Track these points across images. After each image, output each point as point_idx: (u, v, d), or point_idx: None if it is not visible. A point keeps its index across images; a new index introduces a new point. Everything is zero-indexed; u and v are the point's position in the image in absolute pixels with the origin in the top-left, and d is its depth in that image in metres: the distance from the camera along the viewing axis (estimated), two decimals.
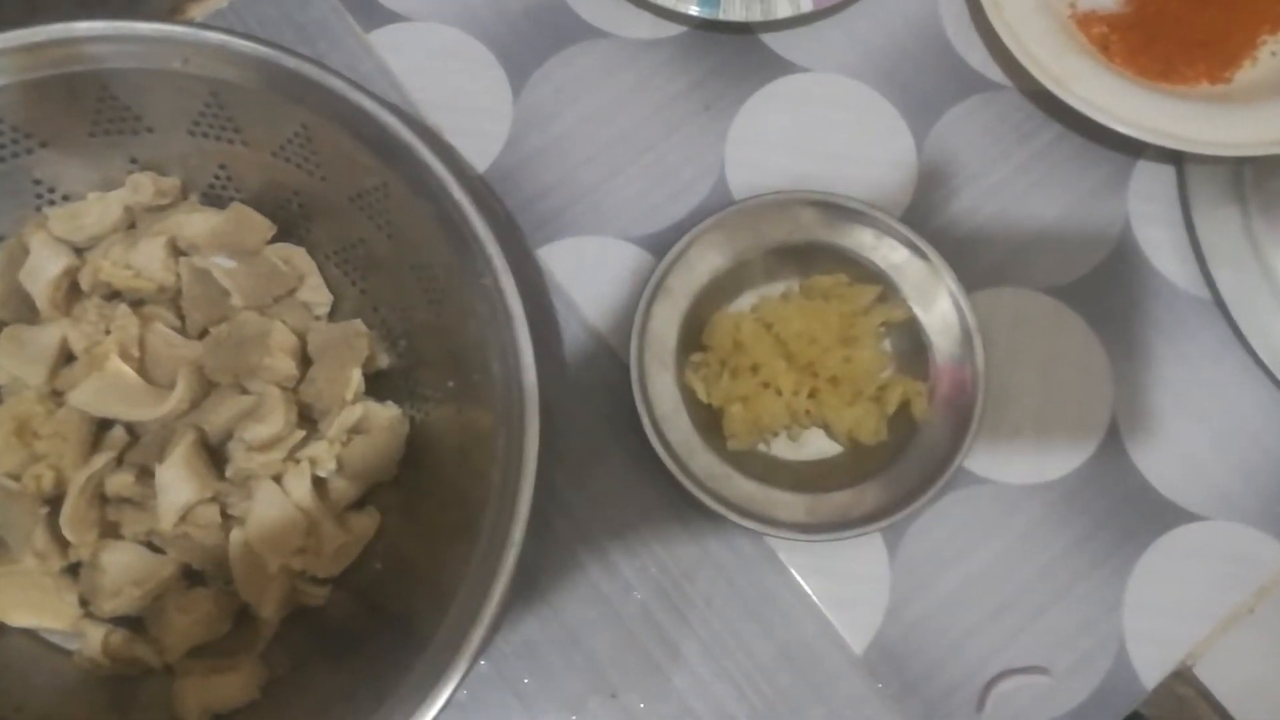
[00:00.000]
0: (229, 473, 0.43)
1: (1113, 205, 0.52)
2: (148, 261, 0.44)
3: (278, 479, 0.43)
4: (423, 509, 0.44)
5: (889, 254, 0.48)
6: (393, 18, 0.53)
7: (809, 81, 0.53)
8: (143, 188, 0.45)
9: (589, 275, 0.50)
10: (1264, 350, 0.49)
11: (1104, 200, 0.52)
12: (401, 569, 0.44)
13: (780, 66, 0.53)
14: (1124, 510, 0.48)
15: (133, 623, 0.43)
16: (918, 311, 0.47)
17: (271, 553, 0.41)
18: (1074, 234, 0.51)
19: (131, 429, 0.43)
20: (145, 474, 0.42)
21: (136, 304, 0.45)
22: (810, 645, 0.46)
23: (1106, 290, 0.51)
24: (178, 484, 0.41)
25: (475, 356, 0.41)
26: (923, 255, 0.47)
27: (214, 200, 0.47)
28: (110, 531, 0.42)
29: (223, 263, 0.44)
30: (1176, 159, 0.52)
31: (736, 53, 0.53)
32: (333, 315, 0.47)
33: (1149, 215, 0.52)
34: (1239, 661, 0.46)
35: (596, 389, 0.49)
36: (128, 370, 0.42)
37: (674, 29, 0.53)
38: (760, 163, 0.51)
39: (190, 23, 0.42)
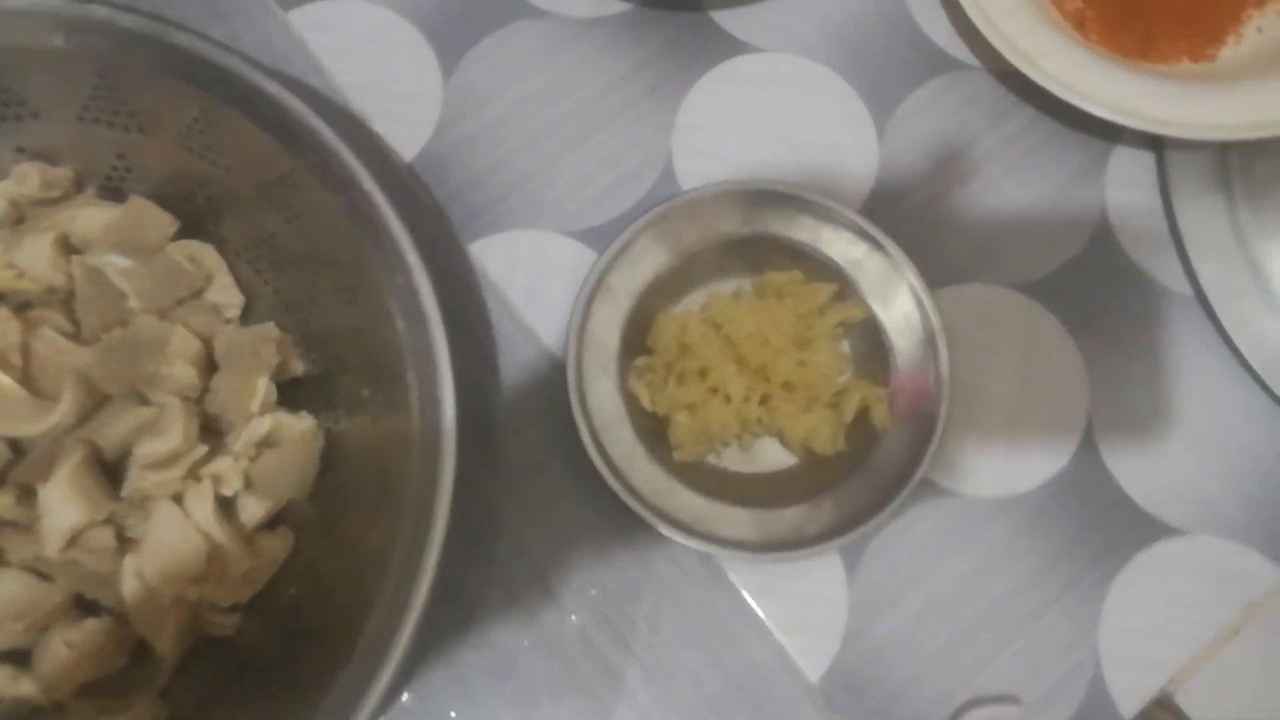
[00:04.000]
0: (124, 492, 0.39)
1: (1088, 194, 0.48)
2: (33, 260, 0.40)
3: (178, 499, 0.39)
4: (340, 527, 0.41)
5: (846, 248, 0.44)
6: None
7: (762, 62, 0.49)
8: (29, 179, 0.41)
9: (525, 272, 0.46)
10: (1250, 350, 0.46)
11: (1079, 189, 0.48)
12: (318, 592, 0.40)
13: (732, 46, 0.49)
14: (1100, 524, 0.44)
15: (17, 657, 0.39)
16: (877, 310, 0.44)
17: (166, 583, 0.37)
18: (1046, 225, 0.48)
19: (16, 445, 0.39)
20: (30, 494, 0.38)
21: (23, 307, 0.41)
22: (762, 672, 0.42)
23: (1081, 286, 0.47)
24: (64, 505, 0.37)
25: (392, 363, 0.38)
26: (882, 250, 0.44)
27: (113, 194, 0.43)
28: None
29: (118, 261, 0.41)
30: (1157, 144, 0.49)
31: (685, 32, 0.49)
32: (245, 318, 0.43)
33: (1127, 205, 0.48)
34: (1224, 687, 0.43)
35: (535, 396, 0.45)
36: (7, 381, 0.38)
37: (617, 6, 0.49)
38: (710, 150, 0.48)
39: None
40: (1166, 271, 0.47)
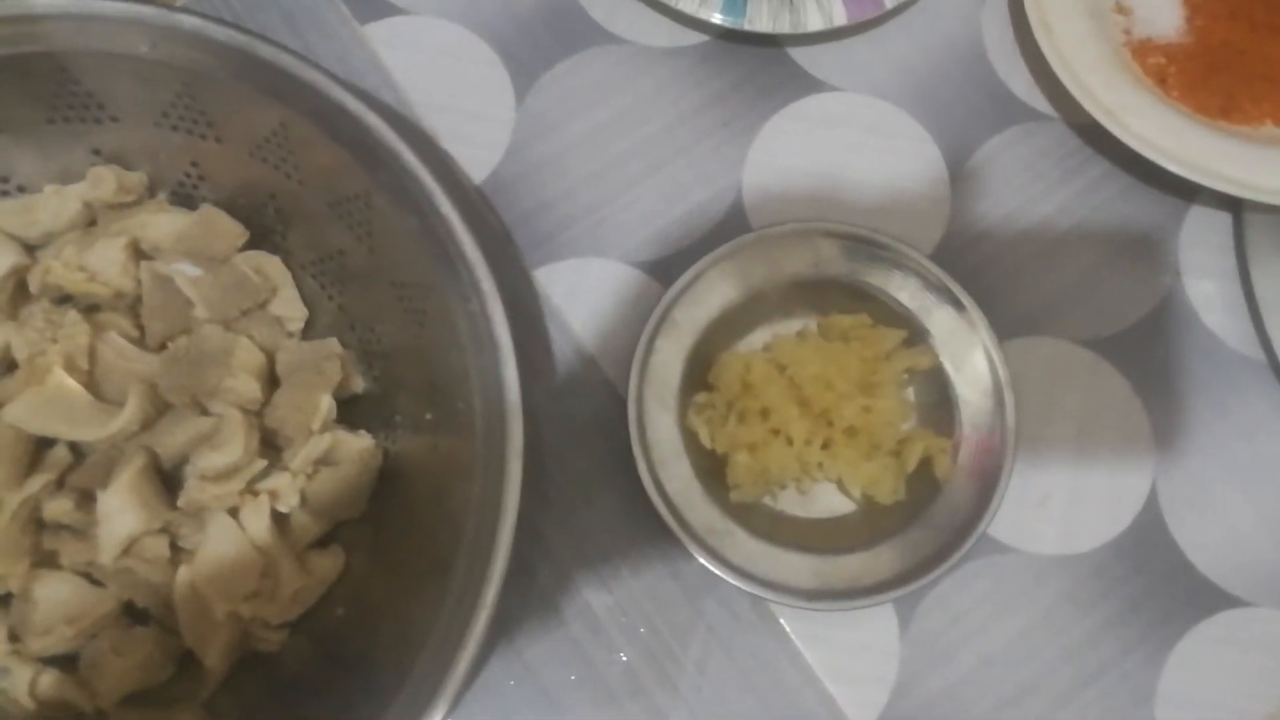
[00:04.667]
0: (181, 502, 0.39)
1: (1162, 253, 0.48)
2: (104, 264, 0.40)
3: (234, 512, 0.39)
4: (393, 551, 0.40)
5: (916, 294, 0.44)
6: (391, 10, 0.48)
7: (837, 101, 0.49)
8: (104, 182, 0.41)
9: (589, 300, 0.46)
10: None
11: (1152, 247, 0.48)
12: (366, 615, 0.40)
13: (807, 84, 0.49)
14: (1161, 590, 0.43)
15: (65, 662, 0.38)
16: (945, 360, 0.43)
17: (219, 597, 0.37)
18: (1118, 282, 0.47)
19: (76, 448, 0.39)
20: (88, 499, 0.38)
21: (91, 310, 0.41)
22: None
23: (1151, 346, 0.46)
24: (122, 512, 0.37)
25: (457, 388, 0.37)
26: (954, 298, 0.43)
27: (184, 200, 0.43)
28: (46, 561, 0.38)
29: (188, 270, 0.41)
30: (1234, 205, 0.48)
31: (761, 67, 0.49)
32: (307, 331, 0.43)
33: (1201, 265, 0.47)
34: None
35: (590, 425, 0.45)
36: (73, 384, 0.38)
37: (695, 37, 0.49)
38: (780, 188, 0.47)
39: (162, 4, 0.38)
40: (1240, 336, 0.47)
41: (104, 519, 0.37)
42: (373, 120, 0.38)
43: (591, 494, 0.44)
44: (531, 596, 0.43)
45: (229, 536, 0.38)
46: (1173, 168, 0.45)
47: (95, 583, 0.38)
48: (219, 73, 0.38)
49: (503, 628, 0.42)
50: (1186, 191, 0.48)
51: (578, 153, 0.47)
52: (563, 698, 0.41)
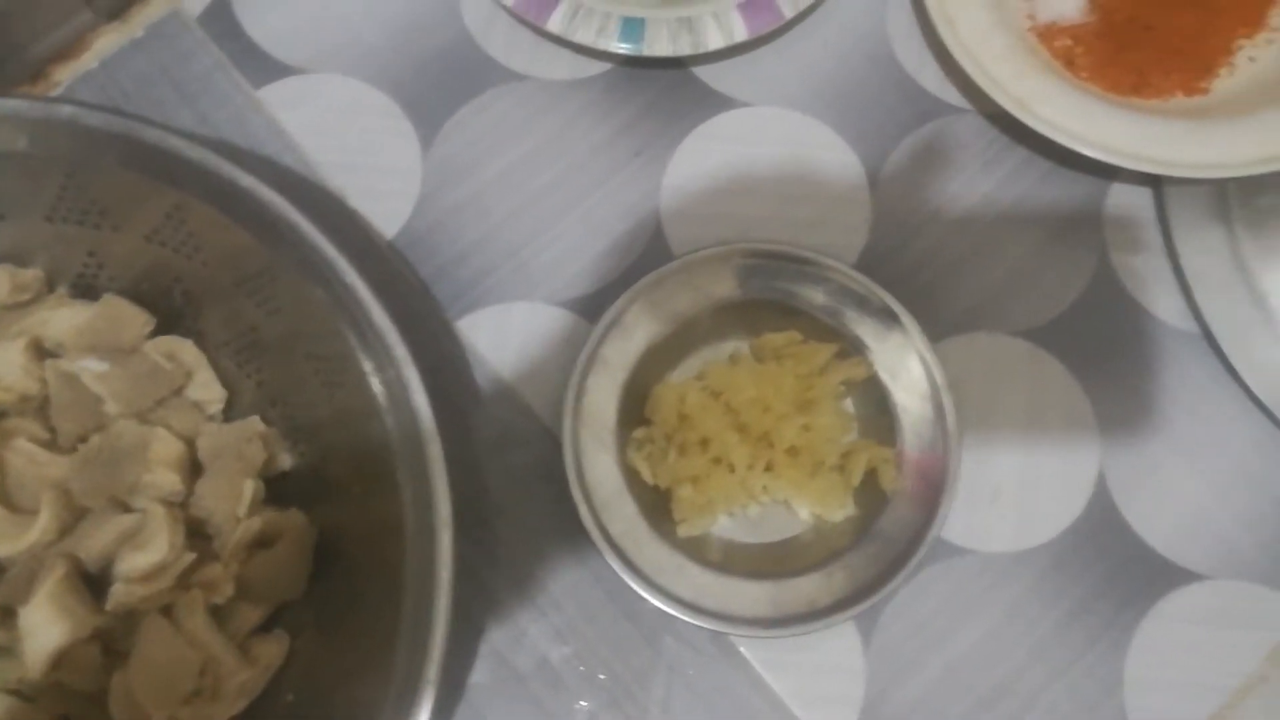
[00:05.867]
0: (109, 606, 0.37)
1: (1087, 234, 0.47)
2: (5, 368, 0.39)
3: (167, 610, 0.38)
4: (337, 629, 0.39)
5: (845, 306, 0.43)
6: (285, 71, 0.47)
7: (749, 117, 0.48)
8: None
9: (516, 346, 0.45)
10: (1259, 386, 0.45)
11: (1077, 229, 0.47)
12: (316, 698, 0.39)
13: (716, 102, 0.48)
14: (1120, 574, 0.43)
15: None
16: (880, 369, 0.43)
17: (156, 704, 0.36)
18: (1047, 269, 0.47)
19: None
20: (10, 615, 0.37)
21: None
22: None
23: (1086, 329, 0.46)
24: (47, 626, 0.36)
25: (381, 457, 0.37)
26: (883, 306, 0.43)
27: (85, 291, 0.42)
28: None
29: (93, 365, 0.39)
30: (1154, 179, 0.48)
31: (667, 90, 0.48)
32: (229, 411, 0.42)
33: (1128, 243, 0.47)
34: None
35: (532, 473, 0.44)
36: None
37: (597, 67, 0.48)
38: (699, 211, 0.47)
39: (34, 96, 0.36)
40: (1170, 309, 0.46)
41: (28, 634, 0.36)
42: (268, 195, 0.37)
43: (540, 546, 0.43)
44: (487, 656, 0.42)
45: (162, 637, 0.37)
46: (1088, 151, 0.44)
47: (26, 699, 0.37)
48: (103, 160, 0.37)
49: (460, 693, 0.41)
50: (1106, 171, 0.48)
51: (491, 196, 0.46)
52: None
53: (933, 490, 0.41)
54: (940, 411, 0.42)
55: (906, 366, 0.43)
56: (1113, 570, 0.43)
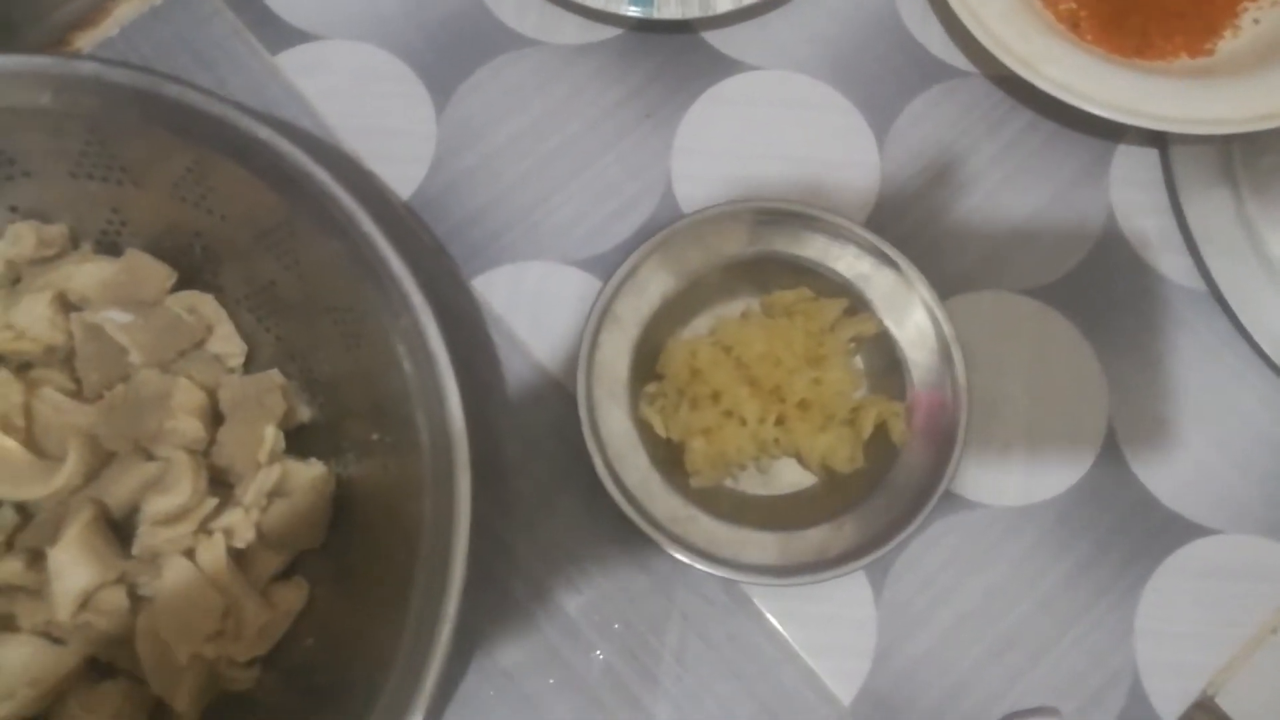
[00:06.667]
0: (135, 550, 0.38)
1: (1094, 195, 0.48)
2: (32, 320, 0.39)
3: (190, 554, 0.38)
4: (355, 577, 0.40)
5: (854, 263, 0.44)
6: (301, 37, 0.48)
7: (757, 81, 0.49)
8: (23, 238, 0.40)
9: (530, 305, 0.46)
10: (1267, 343, 0.45)
11: (1084, 190, 0.48)
12: (336, 643, 0.40)
13: (725, 66, 0.49)
14: (1128, 528, 0.44)
15: None
16: (889, 324, 0.43)
17: (182, 640, 0.36)
18: (1054, 229, 0.47)
19: (23, 508, 0.39)
20: (39, 558, 0.37)
21: (24, 368, 0.40)
22: (794, 698, 0.41)
23: (1093, 288, 0.46)
24: (74, 567, 0.37)
25: (400, 407, 0.37)
26: (891, 262, 0.43)
27: (108, 248, 0.42)
28: (4, 625, 0.38)
29: (117, 317, 0.40)
30: (1160, 141, 0.48)
31: (677, 54, 0.49)
32: (249, 365, 0.43)
33: (1134, 204, 0.48)
34: (1264, 687, 0.42)
35: (545, 430, 0.44)
36: (11, 444, 0.38)
37: (607, 32, 0.49)
38: (709, 172, 0.47)
39: (60, 53, 0.37)
40: (1178, 268, 0.47)
41: (56, 575, 0.36)
42: (285, 146, 0.38)
43: (554, 499, 0.44)
44: (505, 608, 0.42)
45: (186, 578, 0.37)
46: (1096, 110, 0.45)
47: (56, 641, 0.38)
48: (126, 117, 0.38)
49: (477, 640, 0.42)
50: (1112, 132, 0.48)
51: (504, 159, 0.47)
52: (544, 701, 0.41)
53: (943, 444, 0.42)
54: (949, 365, 0.42)
55: (914, 321, 0.43)
56: (1121, 524, 0.44)
